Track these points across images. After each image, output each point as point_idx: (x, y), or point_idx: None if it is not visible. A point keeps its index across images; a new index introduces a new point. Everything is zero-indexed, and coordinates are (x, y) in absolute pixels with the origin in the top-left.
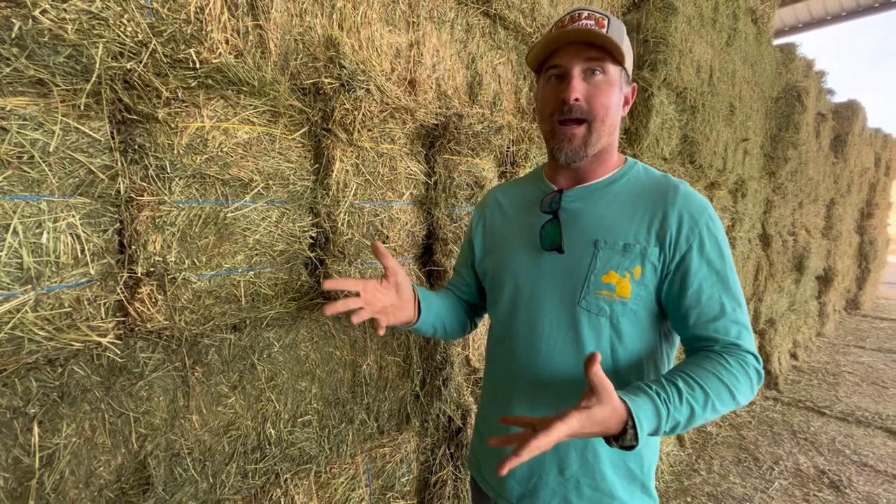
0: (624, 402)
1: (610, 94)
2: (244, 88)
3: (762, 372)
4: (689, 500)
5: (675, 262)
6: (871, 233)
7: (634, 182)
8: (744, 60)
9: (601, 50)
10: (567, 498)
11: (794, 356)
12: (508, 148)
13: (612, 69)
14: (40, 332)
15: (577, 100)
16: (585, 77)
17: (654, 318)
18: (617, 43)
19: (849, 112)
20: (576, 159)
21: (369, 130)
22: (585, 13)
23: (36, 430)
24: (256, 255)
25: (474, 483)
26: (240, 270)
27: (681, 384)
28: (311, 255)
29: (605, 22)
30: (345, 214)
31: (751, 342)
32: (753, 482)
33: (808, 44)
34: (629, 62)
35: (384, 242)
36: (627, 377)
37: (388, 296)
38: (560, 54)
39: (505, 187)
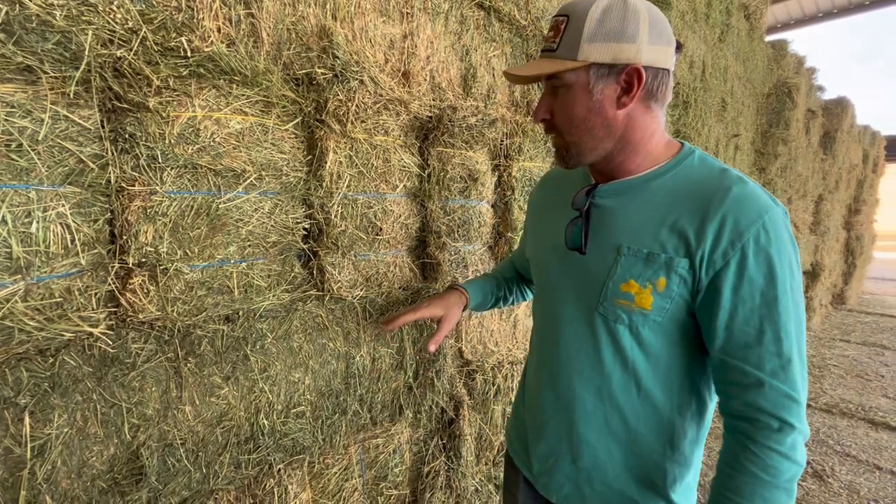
0: None
1: (572, 104)
2: (236, 78)
3: (789, 421)
4: None
5: (709, 278)
6: (858, 229)
7: (682, 178)
8: (736, 56)
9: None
10: (579, 486)
11: None
12: (502, 141)
13: (573, 74)
14: (31, 323)
15: (543, 119)
16: (553, 91)
17: (686, 331)
18: (560, 61)
19: (838, 109)
20: (566, 165)
21: (363, 122)
22: (553, 22)
23: (27, 420)
24: (249, 246)
25: (508, 455)
26: (232, 261)
27: None
28: (305, 246)
29: (562, 26)
30: (338, 206)
31: (788, 381)
32: None
33: (800, 41)
34: (601, 54)
35: (377, 235)
36: (652, 389)
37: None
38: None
39: (555, 173)
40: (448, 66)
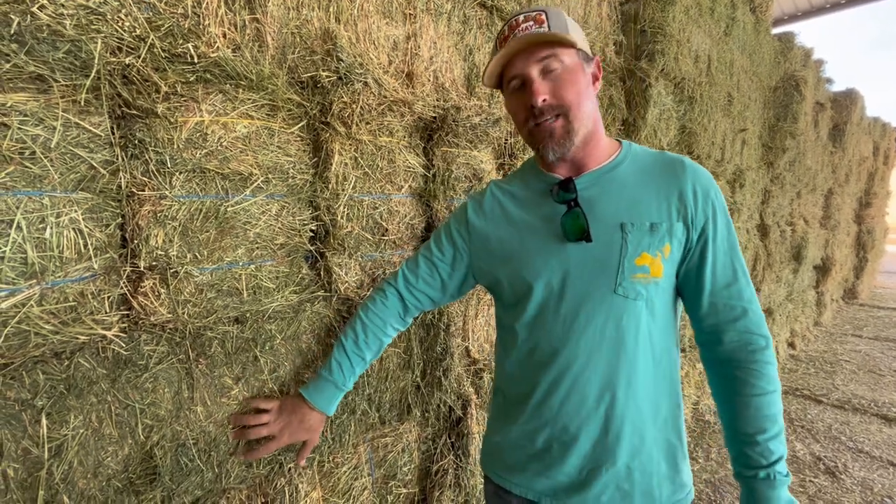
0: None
1: (574, 80)
2: (242, 82)
3: (769, 336)
4: None
5: (697, 234)
6: (870, 222)
7: (638, 162)
8: (742, 50)
9: (549, 45)
10: (620, 486)
11: (791, 345)
12: (506, 140)
13: (567, 56)
14: (46, 326)
15: (544, 100)
16: (545, 75)
17: (673, 289)
18: (561, 34)
19: (847, 101)
20: (563, 152)
21: (367, 123)
22: (521, 17)
23: (44, 421)
24: (257, 248)
25: (491, 484)
26: (241, 264)
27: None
28: (312, 248)
29: (543, 17)
30: (344, 207)
31: (757, 303)
32: None
33: (807, 33)
34: (582, 42)
35: (383, 235)
36: (661, 355)
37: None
38: (513, 64)
39: (503, 186)
40: (451, 67)
